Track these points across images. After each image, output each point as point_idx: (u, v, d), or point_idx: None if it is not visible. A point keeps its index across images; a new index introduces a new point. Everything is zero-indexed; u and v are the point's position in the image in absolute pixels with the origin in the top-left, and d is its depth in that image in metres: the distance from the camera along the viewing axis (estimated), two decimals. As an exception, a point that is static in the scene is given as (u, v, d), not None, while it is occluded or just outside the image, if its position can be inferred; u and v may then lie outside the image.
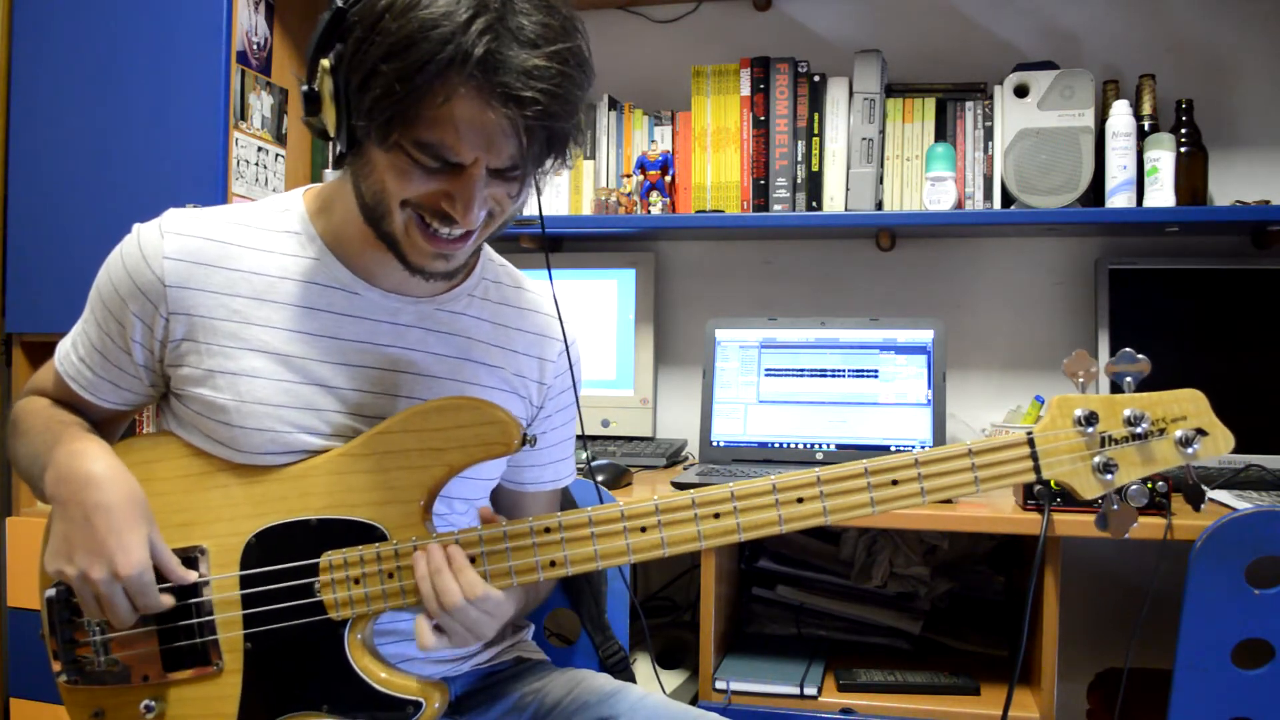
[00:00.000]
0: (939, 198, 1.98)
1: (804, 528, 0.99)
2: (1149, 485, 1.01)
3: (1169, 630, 1.38)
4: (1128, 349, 1.00)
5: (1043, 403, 1.96)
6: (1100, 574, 2.09)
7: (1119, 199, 1.90)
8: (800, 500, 0.99)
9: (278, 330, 1.06)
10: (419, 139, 0.91)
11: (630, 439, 2.22)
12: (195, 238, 1.06)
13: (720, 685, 1.69)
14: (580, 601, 1.47)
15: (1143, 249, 2.08)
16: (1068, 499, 1.55)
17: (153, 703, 1.05)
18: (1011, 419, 2.02)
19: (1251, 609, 1.35)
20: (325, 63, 0.93)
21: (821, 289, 2.26)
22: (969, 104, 2.04)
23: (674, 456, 2.11)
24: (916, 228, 2.12)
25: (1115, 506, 0.99)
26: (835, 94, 2.09)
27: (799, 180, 2.10)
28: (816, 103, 2.09)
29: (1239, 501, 1.56)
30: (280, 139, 2.10)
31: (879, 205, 2.07)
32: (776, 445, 1.98)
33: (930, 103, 2.06)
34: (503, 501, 1.27)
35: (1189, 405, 0.98)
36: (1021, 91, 1.95)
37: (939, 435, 1.90)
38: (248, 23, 1.99)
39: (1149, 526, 1.47)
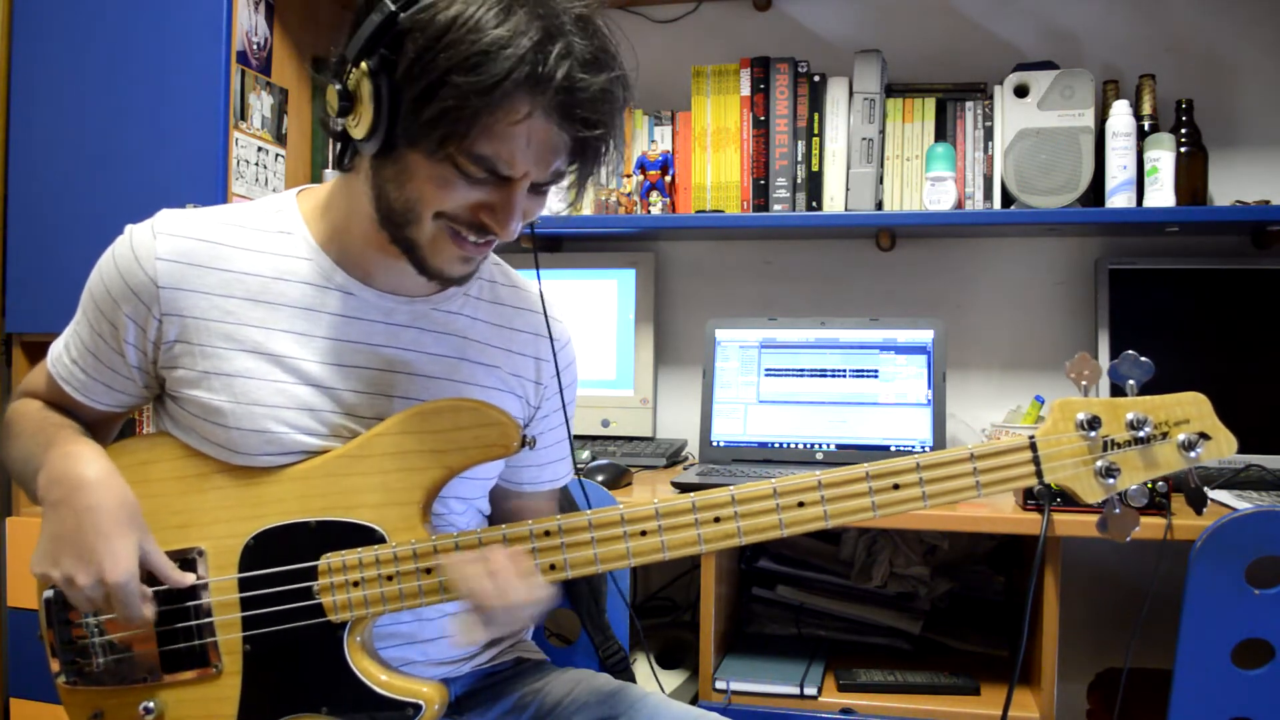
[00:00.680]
0: (939, 198, 1.97)
1: (805, 531, 0.99)
2: (1149, 485, 1.02)
3: (1169, 630, 1.38)
4: (1130, 352, 1.00)
5: (1043, 403, 1.96)
6: (1100, 574, 2.09)
7: (1119, 199, 1.90)
8: (801, 504, 0.99)
9: (272, 331, 1.06)
10: (476, 151, 0.91)
11: (630, 439, 2.22)
12: (188, 238, 1.06)
13: (720, 685, 1.69)
14: (580, 601, 1.47)
15: (1143, 249, 2.08)
16: (1068, 499, 1.55)
17: (152, 704, 1.05)
18: (1011, 419, 2.02)
19: (1251, 609, 1.35)
20: (365, 65, 0.92)
21: (821, 289, 2.26)
22: (969, 104, 2.04)
23: (674, 456, 2.10)
24: (916, 228, 2.12)
25: (1117, 510, 0.99)
26: (835, 94, 2.09)
27: (799, 180, 2.10)
28: (816, 103, 2.09)
29: (1239, 501, 1.57)
30: (280, 139, 2.10)
31: (879, 205, 2.07)
32: (776, 445, 1.98)
33: (930, 103, 2.06)
34: (501, 501, 1.26)
35: (1192, 409, 0.98)
36: (1021, 91, 1.95)
37: (939, 435, 1.90)
38: (248, 23, 1.98)
39: (1149, 526, 1.47)
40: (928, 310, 2.18)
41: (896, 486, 0.98)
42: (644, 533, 1.00)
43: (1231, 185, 2.05)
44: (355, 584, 1.02)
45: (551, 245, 2.35)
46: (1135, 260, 2.00)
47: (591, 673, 1.25)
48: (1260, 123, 2.05)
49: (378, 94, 0.92)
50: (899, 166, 2.08)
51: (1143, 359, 0.99)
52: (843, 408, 1.97)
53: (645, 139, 2.22)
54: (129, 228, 1.07)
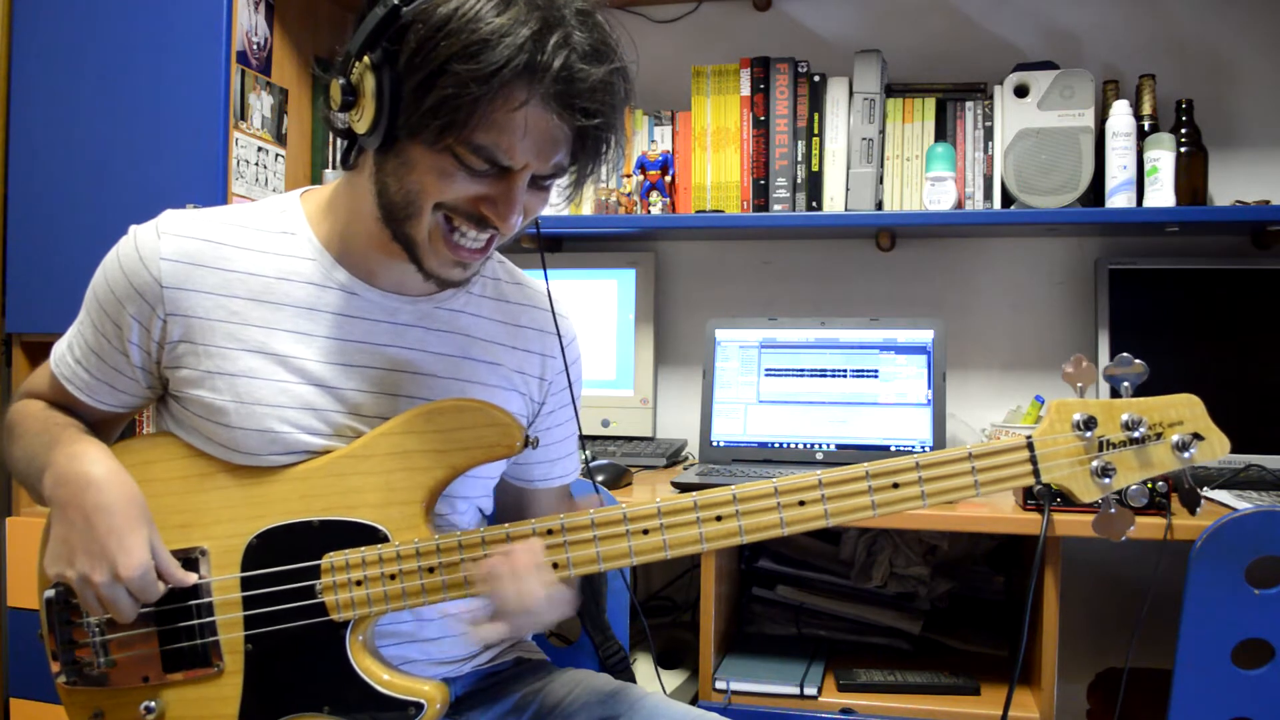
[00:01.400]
0: (939, 198, 1.98)
1: (805, 530, 1.00)
2: (1149, 485, 1.02)
3: (1169, 630, 1.39)
4: (1125, 353, 1.01)
5: (1042, 403, 1.96)
6: (1100, 574, 2.09)
7: (1119, 199, 1.90)
8: (802, 503, 1.00)
9: (275, 331, 1.06)
10: (475, 141, 0.92)
11: (630, 439, 2.22)
12: (192, 239, 1.06)
13: (720, 685, 1.69)
14: (580, 601, 1.47)
15: (1143, 249, 2.08)
16: (1067, 499, 1.56)
17: (152, 704, 1.05)
18: (1011, 419, 2.02)
19: (1251, 609, 1.35)
20: (368, 59, 0.93)
21: (821, 289, 2.26)
22: (969, 104, 2.04)
23: (674, 456, 2.11)
24: (916, 228, 2.12)
25: (1113, 510, 1.01)
26: (835, 94, 2.09)
27: (799, 180, 2.10)
28: (816, 103, 2.09)
29: (1239, 501, 1.57)
30: (280, 139, 2.10)
31: (879, 205, 2.07)
32: (776, 445, 1.98)
33: (930, 103, 2.06)
34: (510, 499, 1.27)
35: (1185, 410, 0.99)
36: (1021, 91, 1.95)
37: (939, 435, 1.91)
38: (248, 23, 1.98)
39: (1149, 526, 1.47)
40: (928, 310, 2.18)
41: (896, 485, 0.99)
42: (646, 531, 1.01)
43: (1231, 185, 2.05)
44: (358, 583, 1.02)
45: (552, 245, 2.35)
46: (1135, 260, 2.00)
47: (591, 673, 1.25)
48: (1260, 123, 2.06)
49: (380, 86, 0.92)
50: (899, 166, 2.08)
51: (1137, 360, 1.00)
52: (843, 408, 1.97)
53: (645, 139, 2.22)
54: (133, 228, 1.07)
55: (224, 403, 1.05)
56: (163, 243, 1.05)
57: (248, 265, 1.07)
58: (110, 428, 1.18)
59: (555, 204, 1.07)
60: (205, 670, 1.05)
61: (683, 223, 2.12)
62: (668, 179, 2.16)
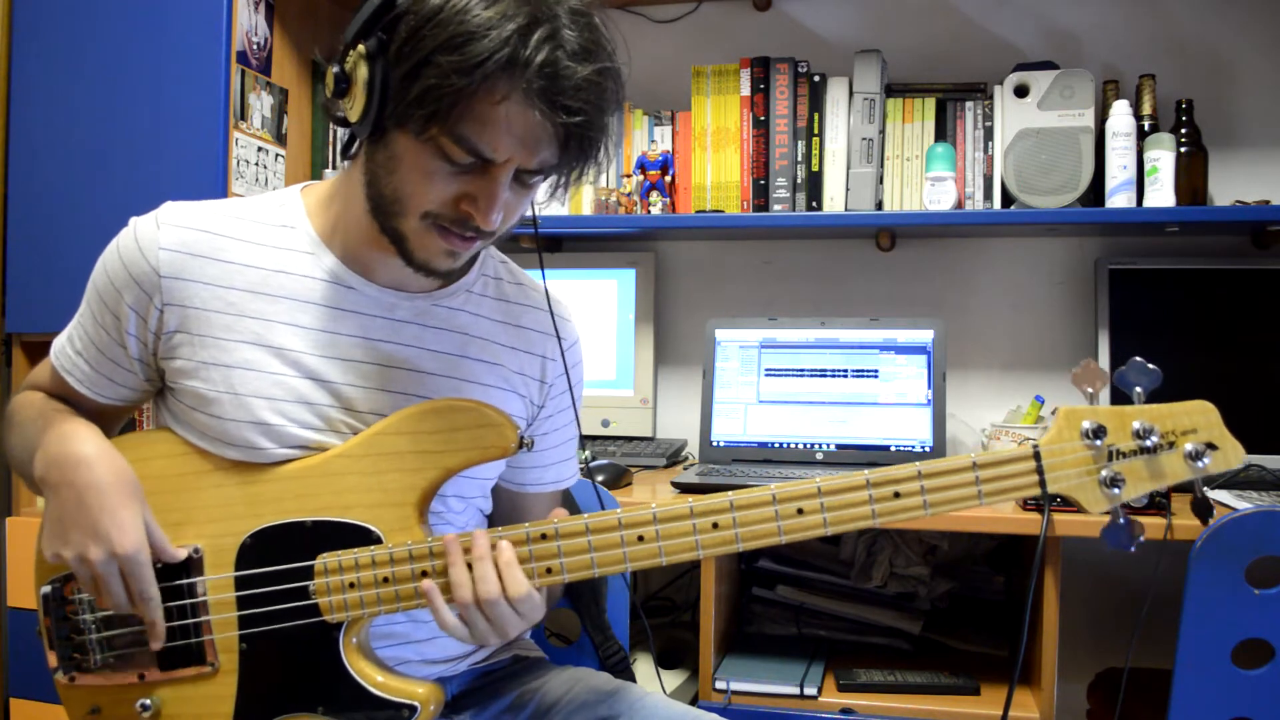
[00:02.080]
0: (939, 198, 1.97)
1: (804, 539, 0.98)
2: (1150, 487, 1.00)
3: (1169, 630, 1.38)
4: (1138, 358, 0.96)
5: (1043, 403, 1.95)
6: (1100, 574, 2.09)
7: (1119, 199, 1.90)
8: (800, 511, 0.97)
9: (271, 323, 1.06)
10: (459, 133, 0.92)
11: (630, 439, 2.22)
12: (191, 229, 1.06)
13: (720, 685, 1.69)
14: (580, 601, 1.46)
15: (1143, 249, 2.07)
16: (1068, 500, 1.55)
17: (149, 701, 1.05)
18: (1012, 419, 2.02)
19: (1251, 609, 1.35)
20: (362, 48, 0.94)
21: (821, 289, 2.26)
22: (969, 104, 2.04)
23: (674, 456, 2.10)
24: (916, 228, 2.12)
25: (1122, 520, 0.97)
26: (835, 94, 2.09)
27: (799, 180, 2.10)
28: (816, 103, 2.09)
29: (1239, 501, 1.56)
30: (280, 139, 2.10)
31: (879, 205, 2.07)
32: (776, 445, 1.98)
33: (930, 103, 2.06)
34: (503, 502, 1.26)
35: (1199, 418, 0.95)
36: (1021, 91, 1.95)
37: (939, 435, 1.90)
38: (248, 23, 1.98)
39: (1149, 527, 1.46)
40: (928, 310, 2.18)
41: (897, 495, 0.97)
42: (641, 538, 0.99)
43: (1231, 185, 2.04)
44: (351, 585, 1.02)
45: (552, 245, 2.35)
46: (1135, 260, 2.00)
47: (590, 671, 1.24)
48: (1260, 123, 2.05)
49: (371, 75, 0.93)
50: (899, 166, 2.08)
51: (1150, 366, 0.95)
52: (843, 408, 1.97)
53: (645, 139, 2.22)
54: (133, 219, 1.08)
55: (216, 394, 1.05)
56: (162, 233, 1.05)
57: (246, 257, 1.07)
58: (110, 422, 1.17)
59: (541, 203, 1.07)
60: (201, 669, 1.05)
61: (683, 223, 2.11)
62: (668, 179, 2.16)
